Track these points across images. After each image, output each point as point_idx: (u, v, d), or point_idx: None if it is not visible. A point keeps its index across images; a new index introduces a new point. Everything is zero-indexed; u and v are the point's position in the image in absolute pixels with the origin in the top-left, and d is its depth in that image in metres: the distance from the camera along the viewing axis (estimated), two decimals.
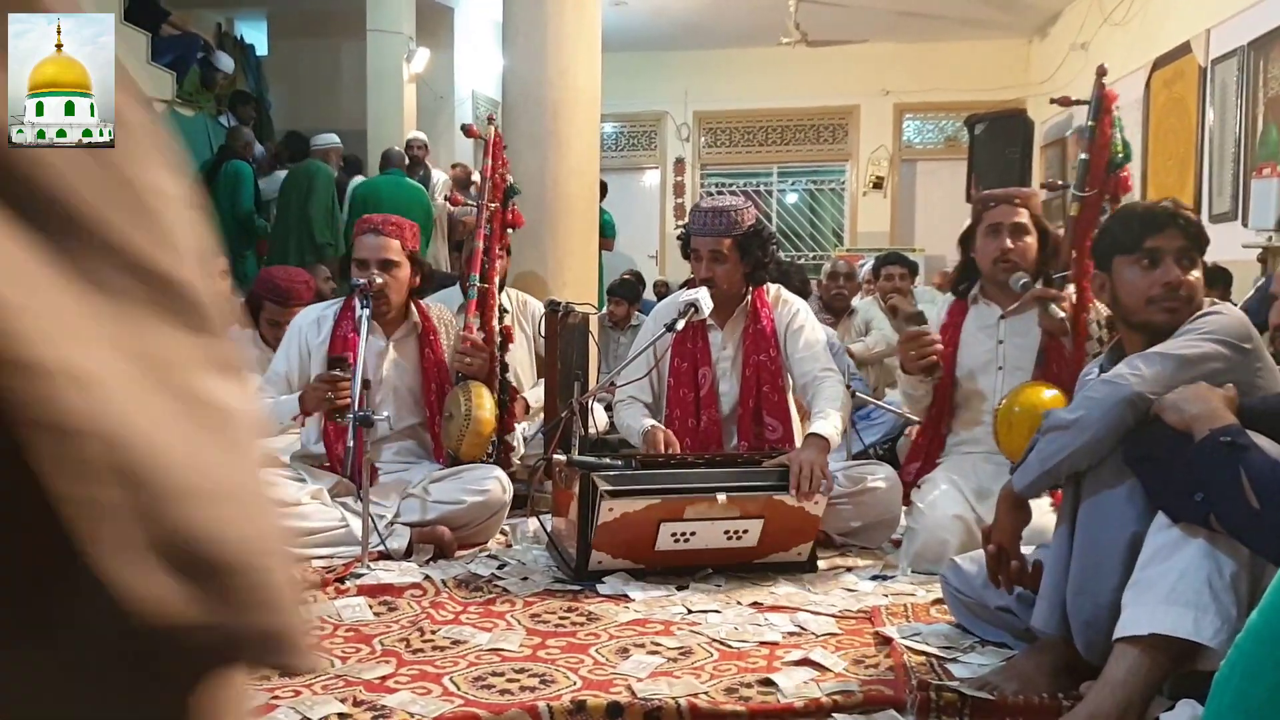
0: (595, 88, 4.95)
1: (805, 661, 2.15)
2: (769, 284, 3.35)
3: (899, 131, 12.09)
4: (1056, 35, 10.09)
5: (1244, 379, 1.94)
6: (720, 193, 11.70)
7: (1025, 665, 2.02)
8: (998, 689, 1.98)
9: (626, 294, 7.16)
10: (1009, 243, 2.96)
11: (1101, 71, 2.94)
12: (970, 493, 2.88)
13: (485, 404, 3.16)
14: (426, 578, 2.76)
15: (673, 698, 1.96)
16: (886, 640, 2.28)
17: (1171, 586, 1.73)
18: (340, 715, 1.89)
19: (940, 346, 2.97)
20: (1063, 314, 2.79)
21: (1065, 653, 1.98)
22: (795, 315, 3.32)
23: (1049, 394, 2.71)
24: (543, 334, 3.47)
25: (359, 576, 2.76)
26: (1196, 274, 2.08)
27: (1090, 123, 2.90)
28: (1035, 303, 2.89)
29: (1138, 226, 2.10)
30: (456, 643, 2.29)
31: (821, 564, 2.91)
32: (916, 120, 12.19)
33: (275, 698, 1.96)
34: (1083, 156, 2.90)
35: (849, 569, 2.92)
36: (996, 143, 8.97)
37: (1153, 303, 2.06)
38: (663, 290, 10.00)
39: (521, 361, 4.23)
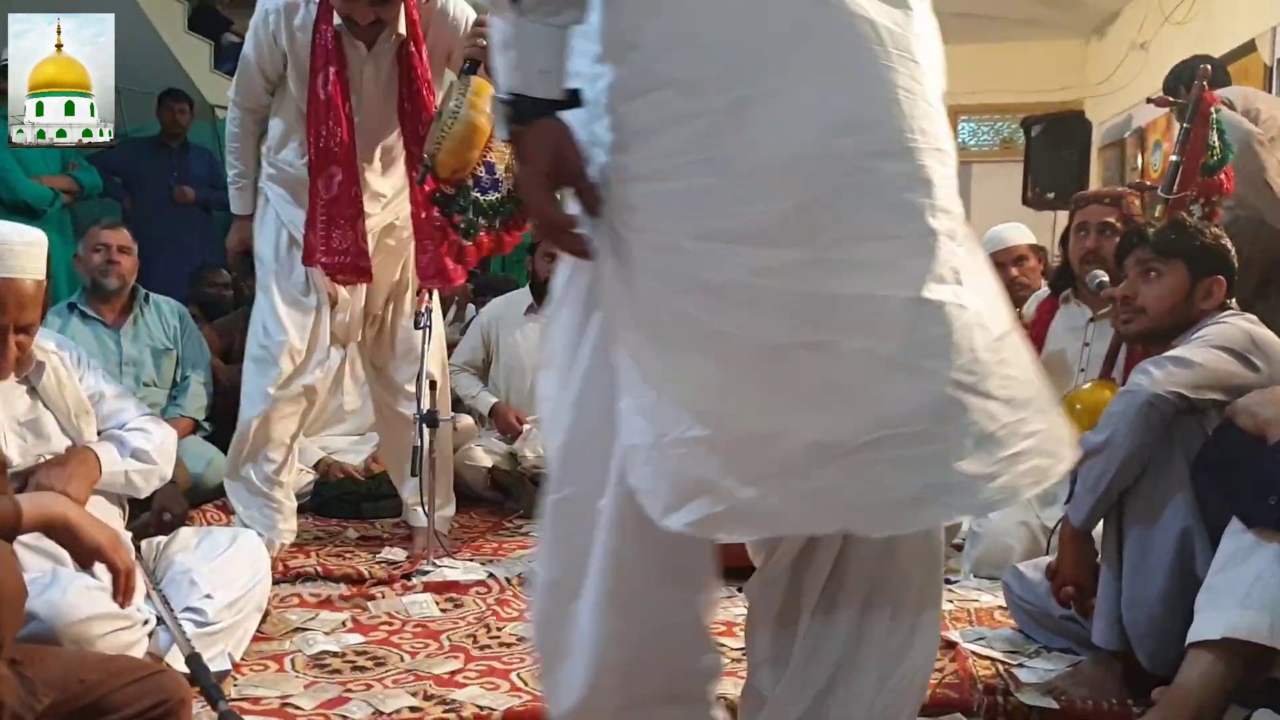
0: None
1: None
2: None
3: (954, 133, 11.96)
4: (1115, 35, 9.94)
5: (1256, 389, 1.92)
6: None
7: (1094, 671, 2.01)
8: (1066, 694, 1.97)
9: None
10: (1092, 242, 2.94)
11: (1204, 74, 2.88)
12: (1035, 499, 2.85)
13: (484, 107, 2.49)
14: (490, 575, 2.81)
15: (737, 697, 1.97)
16: (951, 644, 2.27)
17: (1246, 591, 1.71)
18: (412, 709, 1.93)
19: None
20: None
21: (1133, 660, 1.97)
22: None
23: (1110, 394, 2.69)
24: None
25: (425, 574, 2.81)
26: (1158, 286, 2.11)
27: (1185, 125, 2.84)
28: (1108, 302, 2.87)
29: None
30: (522, 639, 2.32)
31: None
32: (971, 122, 12.07)
33: (348, 690, 2.00)
34: (1174, 158, 2.83)
35: None
36: (1054, 145, 8.85)
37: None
38: None
39: None
